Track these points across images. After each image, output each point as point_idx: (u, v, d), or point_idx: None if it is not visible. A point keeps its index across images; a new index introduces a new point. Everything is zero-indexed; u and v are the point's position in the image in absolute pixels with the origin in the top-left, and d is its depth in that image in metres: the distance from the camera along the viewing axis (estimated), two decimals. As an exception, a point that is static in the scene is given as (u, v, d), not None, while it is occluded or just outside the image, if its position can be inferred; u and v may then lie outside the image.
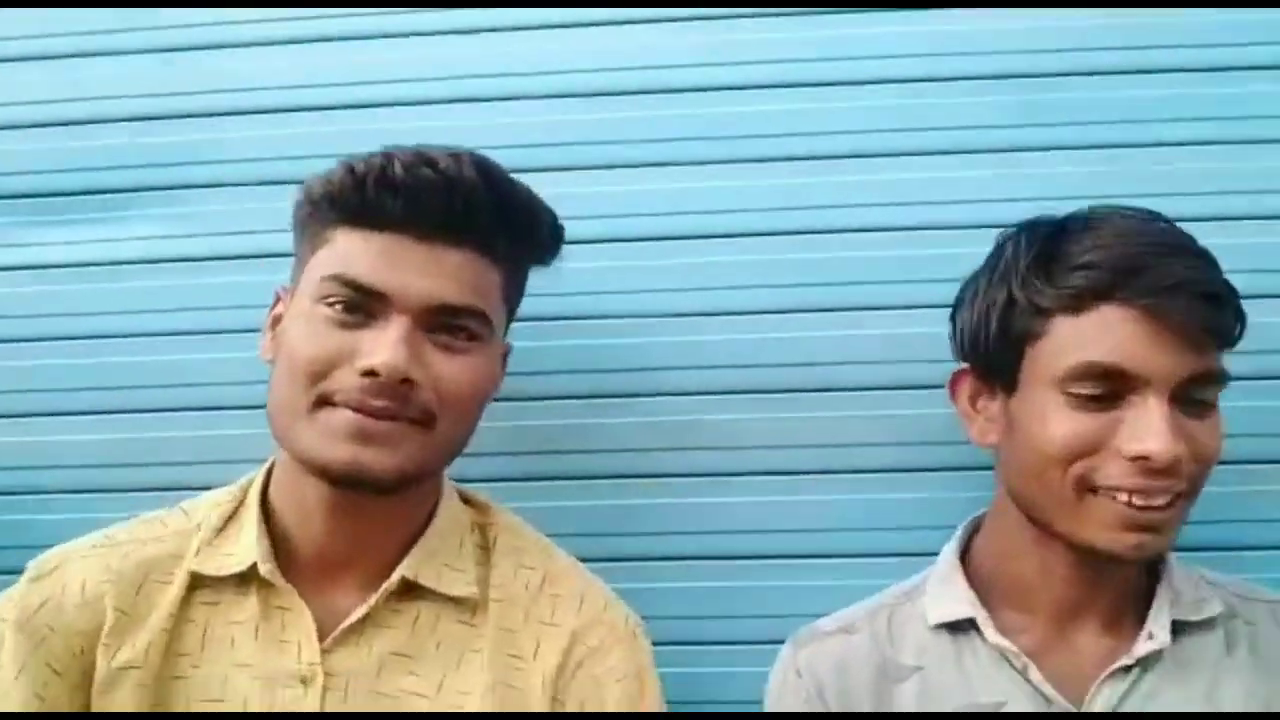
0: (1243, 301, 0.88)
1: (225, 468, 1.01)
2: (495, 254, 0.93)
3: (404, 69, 1.24)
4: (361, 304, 0.87)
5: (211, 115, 1.25)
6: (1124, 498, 0.84)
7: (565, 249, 1.02)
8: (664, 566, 1.17)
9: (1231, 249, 0.90)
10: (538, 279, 1.03)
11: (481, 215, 0.90)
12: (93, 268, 1.24)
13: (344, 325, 0.87)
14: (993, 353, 0.91)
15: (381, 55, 1.24)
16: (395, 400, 0.86)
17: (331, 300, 0.88)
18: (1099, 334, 0.85)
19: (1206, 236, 0.89)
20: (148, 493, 1.15)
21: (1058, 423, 0.86)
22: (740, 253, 1.21)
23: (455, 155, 0.91)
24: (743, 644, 1.14)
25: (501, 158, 0.95)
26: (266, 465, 0.97)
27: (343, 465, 0.85)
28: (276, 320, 0.95)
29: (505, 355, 1.01)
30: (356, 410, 0.85)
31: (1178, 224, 0.90)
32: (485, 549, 0.98)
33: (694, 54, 1.22)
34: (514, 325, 1.02)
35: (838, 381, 1.18)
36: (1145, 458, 0.83)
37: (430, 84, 1.24)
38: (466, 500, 1.02)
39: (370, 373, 0.85)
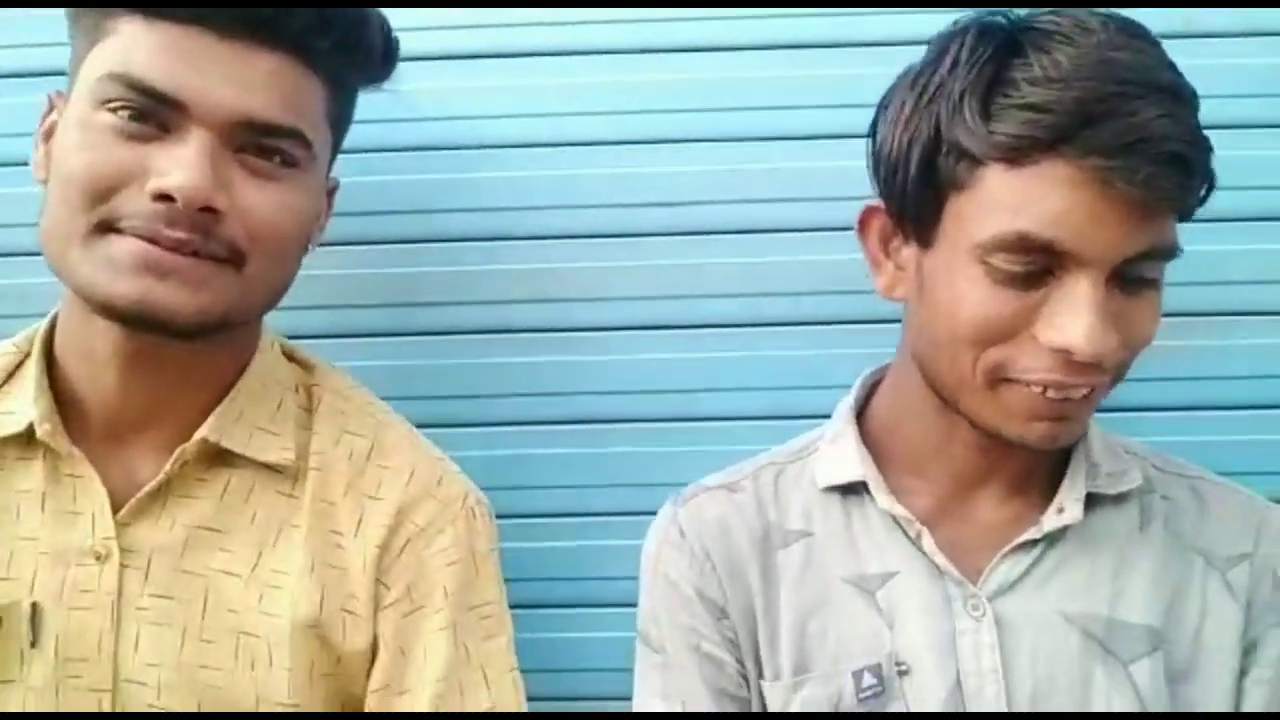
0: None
1: (27, 321, 0.87)
2: (316, 62, 0.79)
3: None
4: (152, 112, 0.74)
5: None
6: (1037, 388, 0.74)
7: (404, 67, 0.89)
8: (524, 432, 1.07)
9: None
10: (372, 102, 0.89)
11: (300, 12, 0.77)
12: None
13: (130, 137, 0.74)
14: (910, 195, 0.77)
15: None
16: (195, 231, 0.74)
17: (114, 104, 0.74)
18: (1036, 197, 0.70)
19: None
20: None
21: (973, 300, 0.73)
22: (616, 72, 1.07)
23: None
24: (614, 515, 1.06)
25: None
26: (53, 312, 0.84)
27: (130, 302, 0.73)
28: (50, 132, 0.80)
29: (333, 192, 0.89)
30: (150, 241, 0.73)
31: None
32: (309, 411, 0.87)
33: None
34: (344, 158, 0.90)
35: (717, 223, 1.07)
36: (1067, 351, 0.71)
37: None
38: (292, 358, 0.91)
39: (164, 196, 0.72)
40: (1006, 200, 0.71)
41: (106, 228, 0.73)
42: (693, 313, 1.07)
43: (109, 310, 0.74)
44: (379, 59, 0.86)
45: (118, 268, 0.73)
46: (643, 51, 1.07)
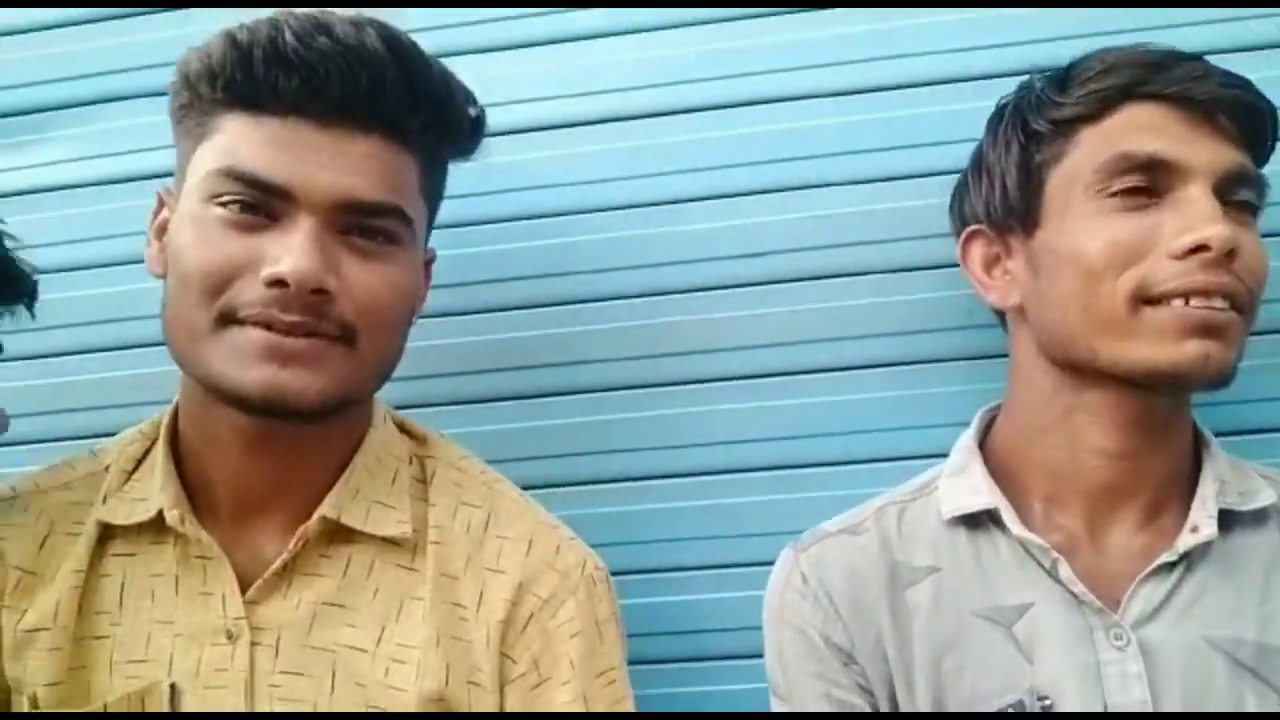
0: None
1: (149, 410, 0.90)
2: (409, 141, 0.81)
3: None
4: (260, 203, 0.76)
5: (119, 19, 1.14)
6: (1180, 302, 0.75)
7: (490, 140, 0.91)
8: (636, 488, 1.06)
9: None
10: (461, 177, 0.91)
11: (392, 94, 0.79)
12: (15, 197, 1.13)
13: (241, 228, 0.76)
14: (1009, 199, 0.84)
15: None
16: (308, 314, 0.76)
17: (224, 199, 0.76)
18: (1129, 129, 0.79)
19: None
20: (65, 442, 1.07)
21: (1098, 229, 0.78)
22: (698, 130, 1.07)
23: (356, 23, 0.79)
24: (732, 567, 1.03)
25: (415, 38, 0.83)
26: (175, 399, 0.87)
27: (259, 390, 0.75)
28: (162, 228, 0.83)
29: (430, 263, 0.91)
30: (267, 327, 0.75)
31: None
32: (424, 483, 0.88)
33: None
34: (436, 232, 0.91)
35: (821, 269, 1.05)
36: (1203, 247, 0.74)
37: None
38: (404, 430, 0.92)
39: (277, 282, 0.74)
40: (1104, 142, 0.79)
41: (228, 319, 0.75)
42: (788, 360, 1.05)
43: (238, 399, 0.76)
44: (467, 132, 0.88)
45: (243, 358, 0.75)
46: (718, 108, 1.08)
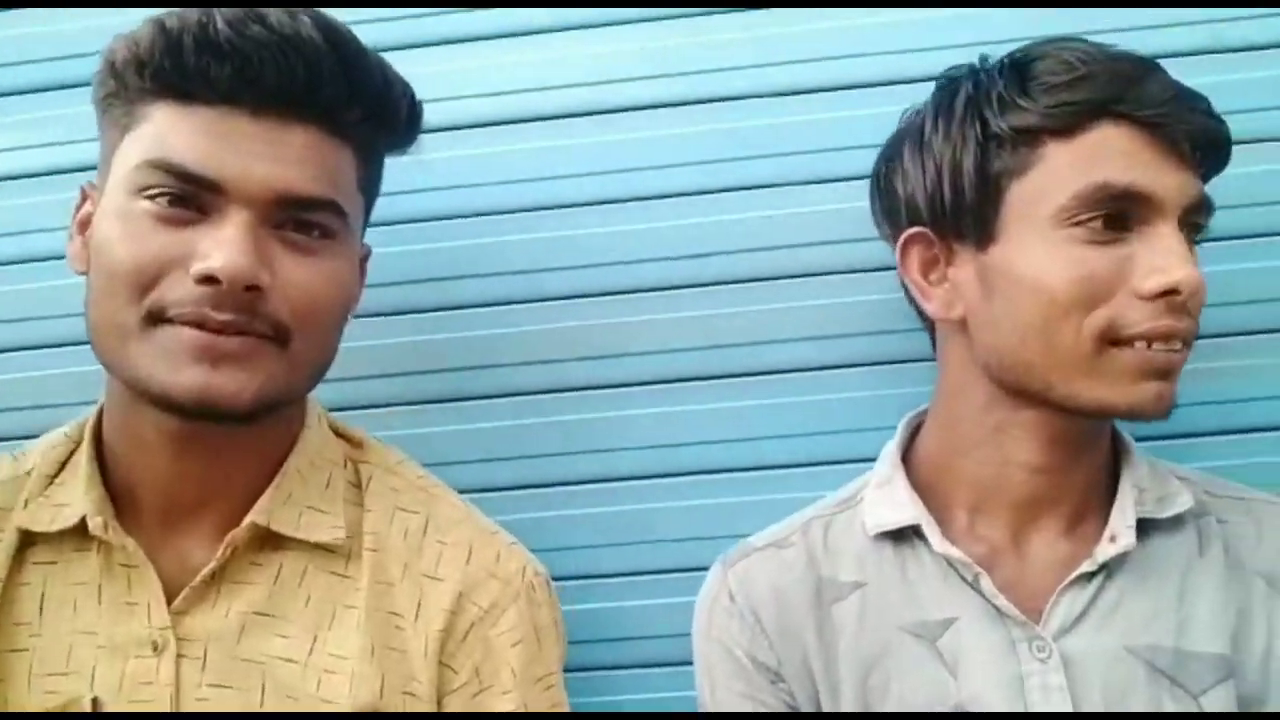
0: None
1: (77, 410, 0.88)
2: (346, 132, 0.80)
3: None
4: (190, 196, 0.74)
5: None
6: (1143, 345, 0.75)
7: (427, 137, 0.90)
8: (571, 492, 1.05)
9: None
10: (396, 173, 0.90)
11: (329, 84, 0.77)
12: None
13: (170, 222, 0.74)
14: (961, 204, 0.80)
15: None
16: (241, 311, 0.73)
17: (152, 192, 0.74)
18: (1104, 152, 0.75)
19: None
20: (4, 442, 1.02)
21: (1067, 264, 0.75)
22: (634, 129, 1.07)
23: (291, 12, 0.77)
24: (666, 573, 1.04)
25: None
26: (100, 401, 0.84)
27: (190, 392, 0.73)
28: (85, 223, 0.80)
29: (365, 260, 0.89)
30: (198, 326, 0.73)
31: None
32: (359, 487, 0.87)
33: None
34: (370, 229, 0.90)
35: (752, 271, 1.05)
36: (1173, 291, 0.74)
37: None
38: (338, 433, 0.90)
39: (209, 279, 0.72)
40: (1075, 165, 0.75)
41: (157, 318, 0.73)
42: (726, 363, 1.05)
43: (168, 402, 0.74)
44: (405, 125, 0.86)
45: (174, 359, 0.73)
46: (663, 106, 1.07)
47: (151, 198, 0.74)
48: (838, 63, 1.06)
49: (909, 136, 0.85)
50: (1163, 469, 0.86)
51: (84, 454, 0.82)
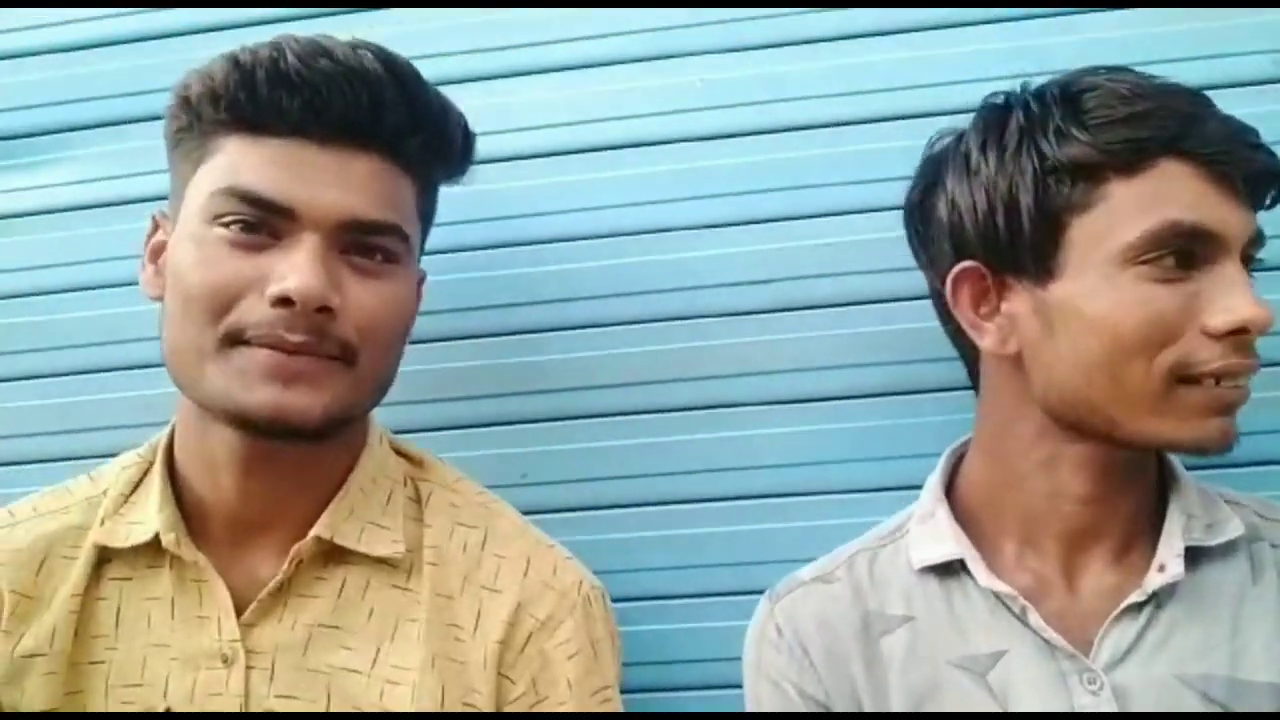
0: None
1: (149, 431, 0.91)
2: (407, 161, 0.83)
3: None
4: (263, 222, 0.78)
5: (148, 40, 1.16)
6: (1213, 382, 0.75)
7: (480, 167, 0.94)
8: (626, 515, 1.07)
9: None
10: (454, 204, 0.94)
11: (391, 114, 0.81)
12: (27, 218, 1.15)
13: (244, 248, 0.77)
14: (1018, 238, 0.78)
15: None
16: (312, 333, 0.77)
17: (227, 219, 0.77)
18: (1169, 191, 0.74)
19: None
20: (67, 462, 1.07)
21: (1136, 303, 0.74)
22: (685, 160, 1.08)
23: (354, 46, 0.81)
24: (718, 595, 1.04)
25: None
26: (172, 421, 0.88)
27: (264, 410, 0.76)
28: (158, 250, 0.84)
29: (421, 283, 0.92)
30: (273, 348, 0.76)
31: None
32: (419, 503, 0.89)
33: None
34: (427, 257, 0.93)
35: (808, 299, 1.06)
36: (1243, 329, 0.73)
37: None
38: (399, 452, 0.93)
39: (283, 300, 0.75)
40: (1141, 202, 0.75)
41: (234, 340, 0.76)
42: (789, 388, 1.06)
43: (243, 420, 0.77)
44: (460, 154, 0.90)
45: (249, 378, 0.76)
46: (712, 137, 1.09)
47: (226, 224, 0.77)
48: (870, 96, 1.07)
49: (952, 163, 0.83)
50: (1213, 494, 0.85)
51: (156, 473, 0.85)
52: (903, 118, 1.06)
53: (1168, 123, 0.75)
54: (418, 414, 1.07)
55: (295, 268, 0.76)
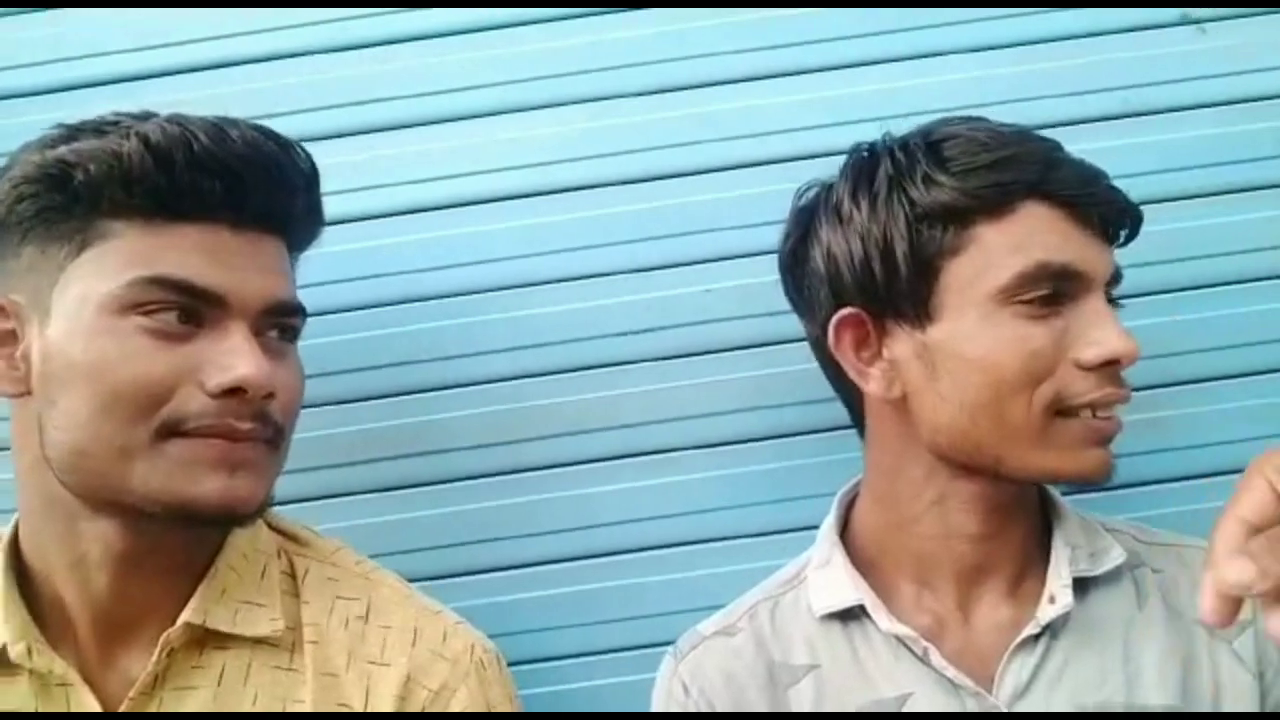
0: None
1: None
2: (295, 240, 0.84)
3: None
4: (192, 310, 0.75)
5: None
6: (1089, 413, 0.78)
7: (350, 226, 0.97)
8: (517, 575, 1.04)
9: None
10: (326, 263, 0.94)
11: (296, 197, 0.81)
12: None
13: (170, 338, 0.74)
14: (895, 284, 0.80)
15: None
16: (257, 420, 0.76)
17: (150, 308, 0.73)
18: (1035, 232, 0.77)
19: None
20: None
21: (1014, 340, 0.77)
22: (550, 211, 1.07)
23: (239, 125, 0.78)
24: (622, 650, 1.02)
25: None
26: (13, 520, 0.82)
27: (212, 499, 0.74)
28: (3, 341, 0.77)
29: None
30: (224, 437, 0.74)
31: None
32: (294, 578, 0.85)
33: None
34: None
35: (690, 346, 1.06)
36: (1114, 361, 0.77)
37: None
38: (271, 527, 0.88)
39: (233, 390, 0.74)
40: (1010, 244, 0.77)
41: (170, 432, 0.73)
42: (674, 437, 1.05)
43: (186, 512, 0.73)
44: (322, 226, 0.89)
45: (193, 469, 0.73)
46: (586, 188, 1.08)
47: (149, 313, 0.73)
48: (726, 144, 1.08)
49: (824, 214, 0.84)
50: (1093, 523, 0.87)
51: (0, 576, 0.78)
52: (763, 163, 1.07)
53: (1029, 166, 0.78)
54: (294, 484, 1.01)
55: (239, 356, 0.74)
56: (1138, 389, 0.86)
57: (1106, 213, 0.79)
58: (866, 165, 0.83)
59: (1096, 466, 0.78)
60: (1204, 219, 1.07)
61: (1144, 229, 0.84)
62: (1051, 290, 0.77)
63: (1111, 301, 0.81)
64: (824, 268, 0.84)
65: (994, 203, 0.77)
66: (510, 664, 0.86)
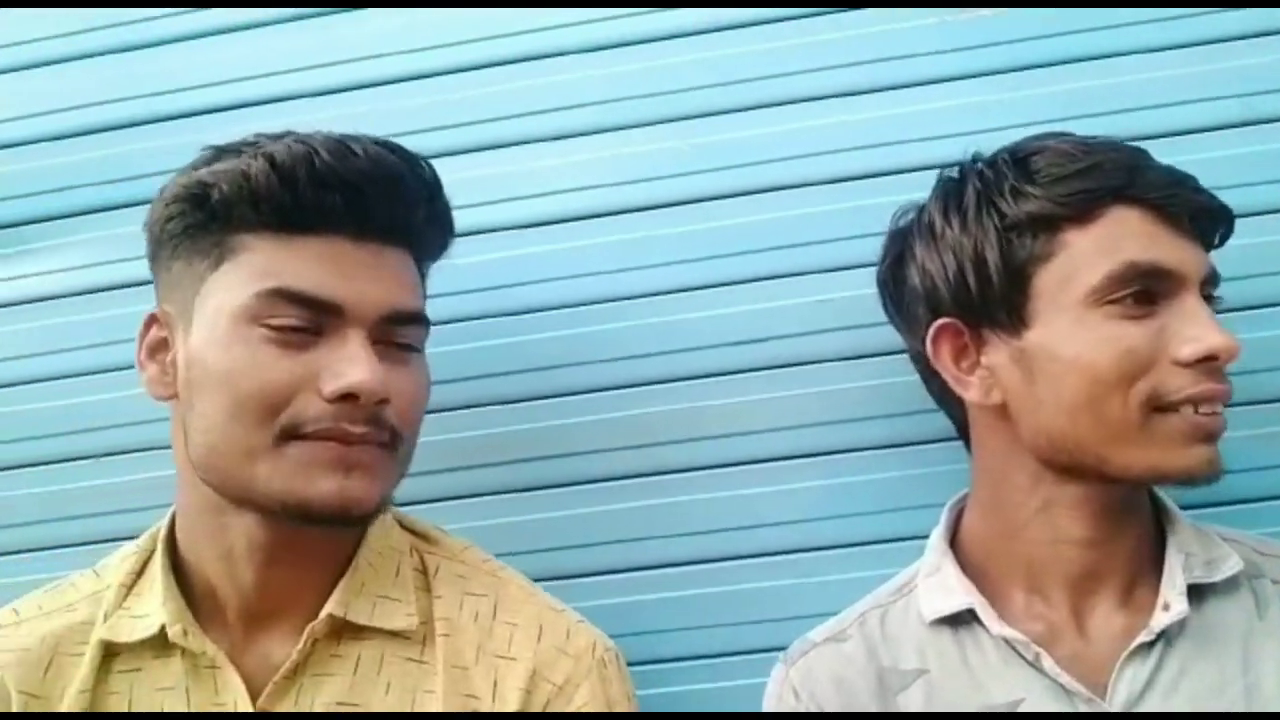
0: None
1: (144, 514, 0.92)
2: (422, 250, 0.87)
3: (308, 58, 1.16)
4: (311, 320, 0.79)
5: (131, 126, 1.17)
6: (1188, 410, 0.78)
7: (473, 239, 0.99)
8: (636, 578, 1.07)
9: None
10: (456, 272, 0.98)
11: (418, 209, 0.85)
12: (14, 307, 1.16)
13: (292, 346, 0.79)
14: (989, 293, 0.82)
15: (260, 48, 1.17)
16: (371, 424, 0.79)
17: (276, 320, 0.78)
18: (1123, 235, 0.79)
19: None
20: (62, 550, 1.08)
21: (1107, 340, 0.78)
22: (670, 224, 1.11)
23: (363, 141, 0.83)
24: (735, 655, 1.04)
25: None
26: (170, 513, 0.87)
27: (329, 500, 0.78)
28: (157, 348, 0.84)
29: None
30: (338, 440, 0.78)
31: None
32: (426, 574, 0.89)
33: (577, 13, 1.13)
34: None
35: (801, 355, 1.08)
36: (1212, 357, 0.77)
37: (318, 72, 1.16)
38: (402, 524, 0.93)
39: (346, 396, 0.77)
40: (1098, 247, 0.79)
41: (290, 435, 0.77)
42: (788, 445, 1.07)
43: (304, 512, 0.78)
44: (450, 237, 0.92)
45: (311, 471, 0.77)
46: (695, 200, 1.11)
47: (273, 323, 0.78)
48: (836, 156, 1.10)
49: (918, 233, 0.88)
50: (1209, 532, 0.87)
51: (159, 565, 0.84)
52: (873, 175, 1.09)
53: (1114, 172, 0.79)
54: (423, 485, 1.05)
55: (354, 363, 0.78)
56: (1250, 403, 0.89)
57: (1195, 212, 0.80)
58: (956, 185, 0.86)
59: (1200, 463, 0.78)
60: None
61: (1261, 239, 0.85)
62: (1143, 290, 0.78)
63: (1210, 302, 0.81)
64: (920, 285, 0.87)
65: (1080, 209, 0.79)
66: (632, 664, 0.89)
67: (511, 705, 0.82)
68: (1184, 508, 0.89)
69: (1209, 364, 0.78)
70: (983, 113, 1.08)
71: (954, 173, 0.88)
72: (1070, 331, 0.79)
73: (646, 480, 1.08)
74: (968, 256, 0.83)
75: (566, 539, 1.08)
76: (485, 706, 0.82)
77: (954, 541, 0.90)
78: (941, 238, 0.85)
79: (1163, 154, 0.84)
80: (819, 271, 1.08)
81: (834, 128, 1.10)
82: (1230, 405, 0.88)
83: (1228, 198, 0.84)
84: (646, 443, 1.08)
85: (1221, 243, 0.84)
